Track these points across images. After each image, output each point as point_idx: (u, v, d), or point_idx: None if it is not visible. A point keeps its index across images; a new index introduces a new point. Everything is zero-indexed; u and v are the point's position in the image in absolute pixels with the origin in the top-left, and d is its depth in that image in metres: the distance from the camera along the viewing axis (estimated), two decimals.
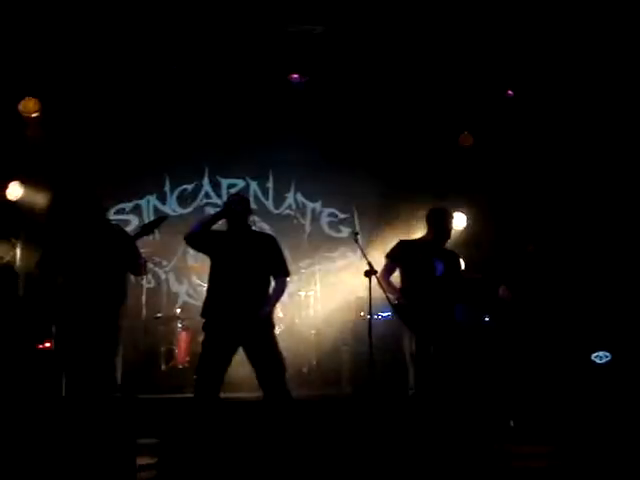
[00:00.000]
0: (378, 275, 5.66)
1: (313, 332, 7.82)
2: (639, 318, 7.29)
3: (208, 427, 4.71)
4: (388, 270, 5.91)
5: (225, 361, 4.93)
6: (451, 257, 6.08)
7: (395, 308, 5.63)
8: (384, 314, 6.87)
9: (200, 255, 5.89)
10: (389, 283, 5.87)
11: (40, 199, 7.46)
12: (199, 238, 5.09)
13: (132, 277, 5.36)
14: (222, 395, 4.91)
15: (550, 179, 8.42)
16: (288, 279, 5.24)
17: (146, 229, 4.97)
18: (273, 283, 5.21)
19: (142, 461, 4.55)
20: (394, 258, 5.96)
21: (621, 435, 5.42)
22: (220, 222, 5.14)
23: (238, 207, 5.12)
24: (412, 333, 5.74)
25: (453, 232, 6.21)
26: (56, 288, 5.02)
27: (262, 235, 5.55)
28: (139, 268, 5.21)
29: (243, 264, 5.01)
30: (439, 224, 6.03)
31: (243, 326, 4.89)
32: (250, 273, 5.02)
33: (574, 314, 7.07)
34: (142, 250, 5.34)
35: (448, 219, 6.10)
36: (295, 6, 7.01)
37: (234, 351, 5.00)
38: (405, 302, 5.72)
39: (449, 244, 6.16)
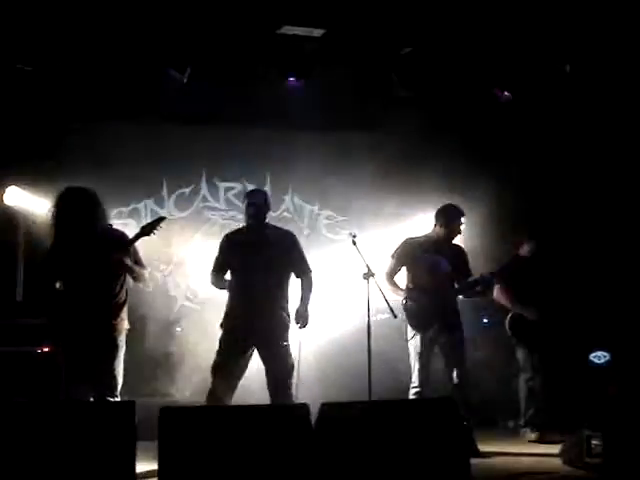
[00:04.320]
0: (384, 274, 5.72)
1: (311, 335, 7.79)
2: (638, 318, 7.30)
3: (213, 432, 4.68)
4: (392, 270, 5.94)
5: (242, 362, 4.95)
6: (457, 252, 6.12)
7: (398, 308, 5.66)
8: (383, 315, 6.86)
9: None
10: (394, 283, 5.95)
11: (39, 204, 7.43)
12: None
13: (131, 282, 5.33)
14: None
15: (544, 177, 8.42)
16: (312, 274, 5.33)
17: (145, 230, 4.98)
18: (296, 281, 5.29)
19: (141, 468, 4.53)
20: (399, 257, 5.93)
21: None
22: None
23: (251, 210, 5.17)
24: (417, 333, 5.80)
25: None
26: (55, 293, 5.02)
27: (282, 232, 5.57)
28: (141, 276, 5.19)
29: (262, 263, 5.05)
30: (449, 222, 6.06)
31: (261, 325, 4.92)
32: (269, 272, 5.06)
33: (572, 314, 7.06)
34: (141, 254, 5.31)
35: (458, 216, 6.11)
36: (293, 8, 7.01)
37: (251, 351, 5.03)
38: (411, 302, 5.80)
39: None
